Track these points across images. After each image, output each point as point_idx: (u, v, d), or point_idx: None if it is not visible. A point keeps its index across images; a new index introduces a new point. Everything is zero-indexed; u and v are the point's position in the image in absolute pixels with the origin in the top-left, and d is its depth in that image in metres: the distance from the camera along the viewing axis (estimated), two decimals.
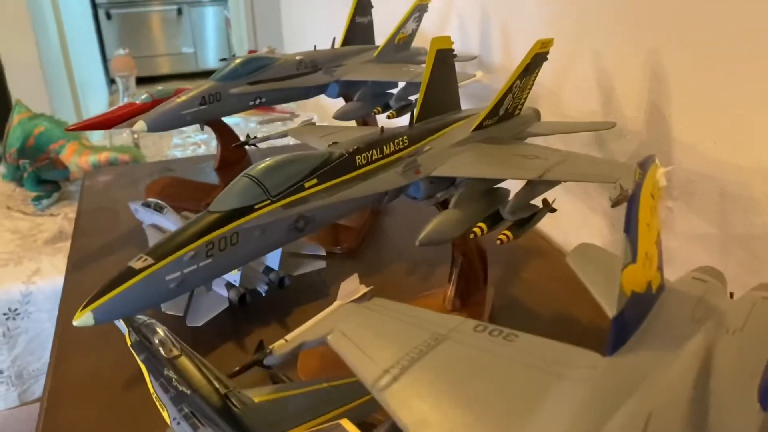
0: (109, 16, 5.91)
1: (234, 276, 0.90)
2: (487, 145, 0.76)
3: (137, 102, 1.17)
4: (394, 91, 1.13)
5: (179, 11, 6.16)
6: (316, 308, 0.63)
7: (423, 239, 0.63)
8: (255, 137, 0.86)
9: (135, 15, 6.06)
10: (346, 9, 1.24)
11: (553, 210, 0.69)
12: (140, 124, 0.88)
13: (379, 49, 1.18)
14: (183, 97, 0.91)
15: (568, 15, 1.04)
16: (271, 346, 0.53)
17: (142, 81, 5.70)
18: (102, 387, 0.81)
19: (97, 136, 2.41)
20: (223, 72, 0.96)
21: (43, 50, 3.33)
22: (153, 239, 1.03)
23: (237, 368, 0.57)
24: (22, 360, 1.70)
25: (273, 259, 0.93)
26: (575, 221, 1.09)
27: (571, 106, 1.06)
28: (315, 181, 0.60)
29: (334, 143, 0.66)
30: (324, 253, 1.00)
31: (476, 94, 1.27)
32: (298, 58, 1.04)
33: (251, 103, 0.98)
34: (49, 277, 1.65)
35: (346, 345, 0.48)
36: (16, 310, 1.65)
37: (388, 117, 1.03)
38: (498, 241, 0.63)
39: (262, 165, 0.59)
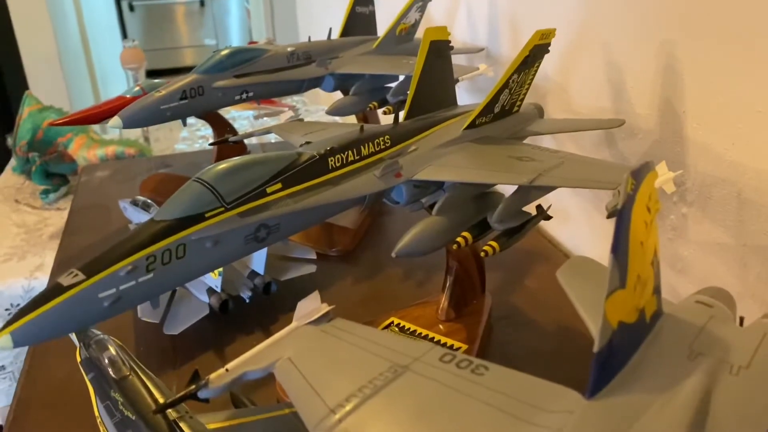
0: (132, 8, 5.91)
1: (215, 280, 0.85)
2: (478, 146, 0.69)
3: (128, 96, 1.13)
4: (393, 84, 1.07)
5: (202, 3, 6.14)
6: None
7: (399, 251, 0.57)
8: (236, 133, 0.81)
9: (158, 7, 6.06)
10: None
11: (548, 218, 0.63)
12: (115, 120, 0.83)
13: (378, 41, 1.12)
14: (162, 92, 0.86)
15: (578, 4, 0.97)
16: (207, 377, 0.45)
17: (163, 73, 5.71)
18: (73, 395, 0.77)
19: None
20: (206, 64, 0.90)
21: (62, 43, 3.33)
22: None
23: (167, 401, 0.48)
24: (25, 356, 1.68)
25: (258, 262, 0.88)
26: (582, 223, 1.02)
27: (580, 102, 0.99)
28: (279, 185, 0.54)
29: (307, 143, 0.61)
30: (314, 256, 0.95)
31: (483, 88, 1.21)
32: (289, 49, 0.99)
33: (237, 97, 0.93)
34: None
35: (292, 376, 0.42)
36: (18, 305, 1.63)
37: (385, 113, 0.97)
38: (482, 253, 0.57)
39: (217, 168, 0.53)
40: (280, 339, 0.47)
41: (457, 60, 0.83)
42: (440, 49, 0.79)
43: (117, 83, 5.21)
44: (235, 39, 6.41)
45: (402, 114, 0.71)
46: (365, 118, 1.13)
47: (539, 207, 0.63)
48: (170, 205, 0.50)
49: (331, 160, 0.58)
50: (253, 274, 0.88)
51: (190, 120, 1.20)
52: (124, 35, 5.92)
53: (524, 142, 0.76)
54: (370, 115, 1.14)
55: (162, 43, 6.18)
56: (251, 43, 1.35)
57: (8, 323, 0.42)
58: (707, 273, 0.79)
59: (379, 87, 1.06)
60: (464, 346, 0.77)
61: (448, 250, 0.80)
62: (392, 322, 0.83)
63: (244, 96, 0.93)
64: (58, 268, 1.05)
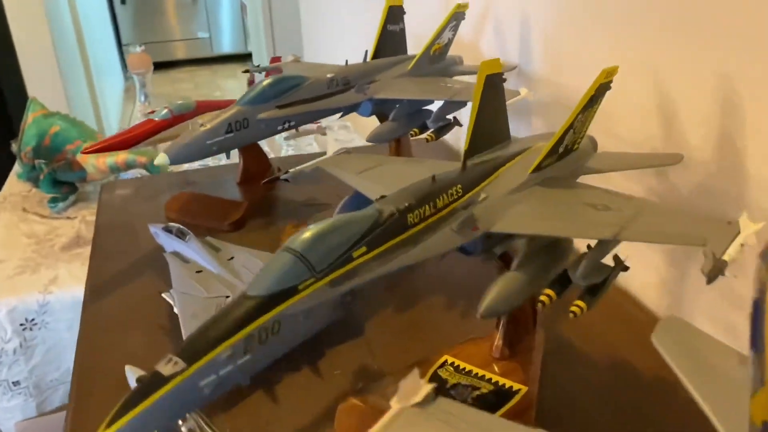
0: (123, 1, 5.83)
1: None
2: (547, 190, 0.68)
3: (156, 119, 1.10)
4: (431, 107, 1.05)
5: None
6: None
7: (484, 312, 0.56)
8: (287, 171, 0.80)
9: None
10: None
11: (626, 268, 0.62)
12: (162, 158, 0.81)
13: (413, 62, 1.10)
14: (208, 126, 0.83)
15: (622, 24, 0.96)
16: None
17: (157, 66, 5.65)
18: None
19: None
20: (249, 95, 0.88)
21: (57, 36, 3.27)
22: (175, 270, 0.97)
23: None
24: (40, 370, 1.67)
25: None
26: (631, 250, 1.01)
27: (627, 130, 0.97)
28: (364, 249, 0.52)
29: (382, 197, 0.59)
30: None
31: (521, 110, 1.19)
32: (329, 75, 0.97)
33: (279, 127, 0.91)
34: (66, 286, 1.60)
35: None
36: (33, 320, 1.61)
37: (427, 140, 0.96)
38: (571, 314, 0.56)
39: (305, 235, 0.51)
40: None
41: None
42: (495, 83, 0.77)
43: (112, 77, 5.16)
44: (228, 32, 6.35)
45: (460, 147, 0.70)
46: (397, 142, 1.11)
47: (617, 258, 0.61)
48: (261, 279, 0.48)
49: (410, 217, 0.57)
50: None
51: None
52: (116, 29, 5.85)
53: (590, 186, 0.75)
54: (402, 139, 1.12)
55: (154, 36, 6.12)
56: (275, 59, 1.33)
57: (111, 421, 0.40)
58: None
59: (417, 110, 1.04)
60: (524, 388, 0.76)
61: None
62: (446, 361, 0.81)
63: (286, 126, 0.92)
64: (91, 295, 1.02)
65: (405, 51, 1.20)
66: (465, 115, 1.03)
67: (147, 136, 1.08)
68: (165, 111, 1.11)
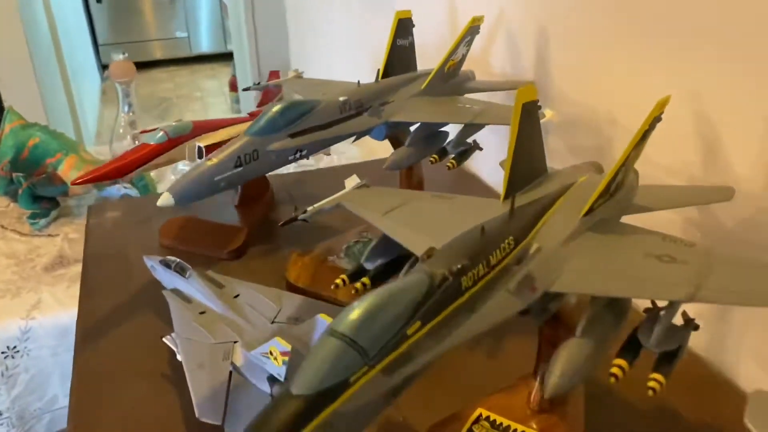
0: (99, 0, 5.68)
1: (279, 368, 0.76)
2: (603, 238, 0.61)
3: (152, 143, 1.02)
4: (448, 127, 0.98)
5: None
6: None
7: (552, 392, 0.49)
8: (305, 210, 0.72)
9: None
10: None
11: (697, 327, 0.55)
12: (166, 198, 0.73)
13: (427, 81, 1.03)
14: (214, 160, 0.76)
15: (652, 40, 0.90)
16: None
17: (136, 66, 5.51)
18: None
19: (91, 150, 2.25)
20: (259, 125, 0.80)
21: (32, 38, 3.16)
22: (177, 311, 0.89)
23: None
24: (23, 400, 1.58)
25: None
26: None
27: (660, 153, 0.91)
28: (418, 324, 0.45)
29: (429, 253, 0.51)
30: None
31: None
32: (341, 99, 0.89)
33: (291, 157, 0.84)
34: (50, 311, 1.52)
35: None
36: (14, 347, 1.52)
37: (449, 168, 0.89)
38: (650, 392, 0.50)
39: (352, 316, 0.43)
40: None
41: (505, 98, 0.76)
42: (530, 112, 0.71)
43: (88, 77, 5.03)
44: (207, 32, 6.23)
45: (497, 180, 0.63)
46: (410, 167, 1.04)
47: (686, 316, 0.55)
48: (307, 372, 0.40)
49: (464, 280, 0.50)
50: None
51: None
52: (92, 28, 5.70)
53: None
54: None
55: (131, 36, 5.98)
56: (273, 73, 1.26)
57: None
58: None
59: (434, 133, 0.97)
60: None
61: (540, 332, 0.72)
62: (480, 416, 0.75)
63: (297, 155, 0.84)
64: (83, 340, 0.95)
65: (415, 66, 1.13)
66: (483, 137, 0.96)
67: (143, 161, 1.00)
68: (161, 134, 1.03)
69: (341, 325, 0.42)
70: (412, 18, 1.10)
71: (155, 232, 1.18)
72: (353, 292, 0.63)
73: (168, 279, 0.96)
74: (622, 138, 0.98)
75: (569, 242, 0.60)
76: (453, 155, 0.91)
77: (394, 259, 0.67)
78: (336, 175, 0.90)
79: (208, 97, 5.59)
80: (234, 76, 4.32)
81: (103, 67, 5.72)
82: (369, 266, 0.66)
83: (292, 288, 1.03)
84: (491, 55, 1.21)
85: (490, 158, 0.93)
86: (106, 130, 5.05)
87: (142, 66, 6.04)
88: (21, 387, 1.56)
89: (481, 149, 0.94)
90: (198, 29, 6.21)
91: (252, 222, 1.18)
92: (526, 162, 0.70)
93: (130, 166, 0.97)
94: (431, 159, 0.90)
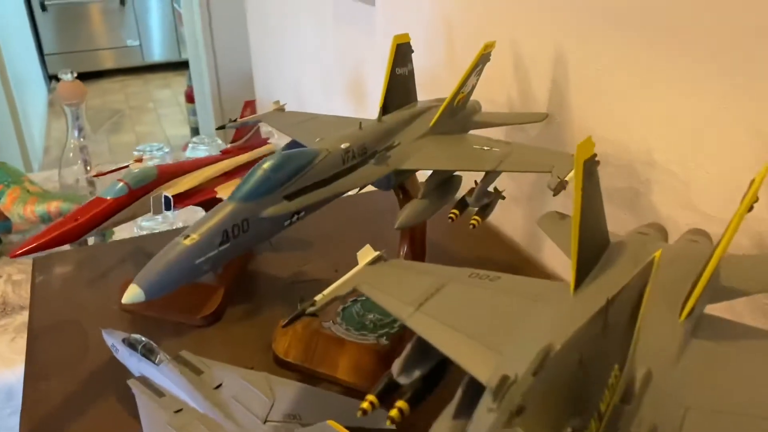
0: (44, 8, 5.39)
1: None
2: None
3: (108, 197, 0.85)
4: (462, 172, 0.84)
5: (122, 1, 5.67)
6: None
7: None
8: (312, 302, 0.57)
9: (73, 6, 5.56)
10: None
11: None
12: (133, 292, 0.56)
13: (435, 118, 0.88)
14: (194, 237, 0.59)
15: (699, 62, 0.77)
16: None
17: (84, 77, 5.25)
18: None
19: (38, 176, 2.05)
20: (247, 188, 0.64)
21: None
22: (146, 409, 0.73)
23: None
24: None
25: None
26: None
27: (704, 199, 0.79)
28: None
29: (517, 409, 0.36)
30: None
31: None
32: (343, 146, 0.74)
33: (287, 222, 0.68)
34: None
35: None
36: None
37: (474, 226, 0.75)
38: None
39: None
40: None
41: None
42: (591, 170, 0.57)
43: (33, 88, 4.76)
44: (159, 40, 5.98)
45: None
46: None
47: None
48: None
49: None
50: None
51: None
52: (37, 38, 5.41)
53: None
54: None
55: (79, 44, 5.69)
56: (248, 103, 1.09)
57: None
58: None
59: (447, 179, 0.83)
60: None
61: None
62: None
63: (294, 219, 0.68)
64: None
65: (415, 96, 0.98)
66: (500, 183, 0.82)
67: (99, 220, 0.83)
68: (120, 185, 0.86)
69: None
70: (411, 43, 0.96)
71: (114, 292, 1.01)
72: (388, 423, 0.48)
73: (134, 364, 0.80)
74: (661, 179, 0.85)
75: (677, 363, 0.46)
76: (477, 211, 0.77)
77: (435, 366, 0.52)
78: (327, 210, 0.75)
79: (162, 108, 5.35)
80: (190, 86, 4.11)
81: (50, 77, 5.43)
82: (403, 381, 0.51)
83: (282, 363, 0.87)
84: (492, 81, 1.07)
85: (509, 206, 0.82)
86: (54, 144, 4.78)
87: (92, 76, 5.76)
88: None
89: (504, 198, 0.80)
90: (150, 37, 5.95)
91: (228, 278, 1.02)
92: (593, 230, 0.57)
93: (83, 227, 0.80)
94: (451, 215, 0.75)
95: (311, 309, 0.57)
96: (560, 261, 1.08)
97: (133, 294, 0.56)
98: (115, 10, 5.72)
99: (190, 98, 4.28)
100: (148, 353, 0.78)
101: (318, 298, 0.58)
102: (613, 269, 0.55)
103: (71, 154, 1.85)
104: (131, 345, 0.80)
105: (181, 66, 5.50)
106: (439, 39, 1.31)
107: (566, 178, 0.72)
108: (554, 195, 0.70)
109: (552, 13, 0.99)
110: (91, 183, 1.90)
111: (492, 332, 0.49)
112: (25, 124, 4.03)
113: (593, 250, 0.56)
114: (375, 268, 0.62)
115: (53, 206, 1.60)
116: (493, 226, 1.23)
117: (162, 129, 4.95)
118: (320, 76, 2.21)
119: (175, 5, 5.39)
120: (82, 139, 1.83)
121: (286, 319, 0.58)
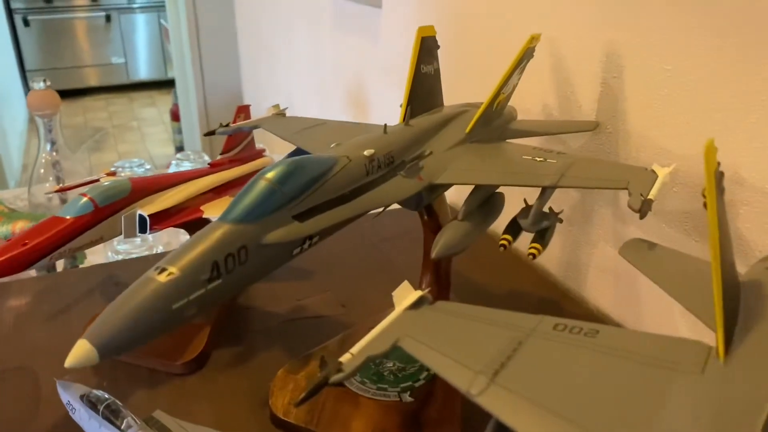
0: (27, 23, 5.23)
1: None
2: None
3: (68, 216, 0.68)
4: (504, 187, 0.68)
5: (108, 18, 5.52)
6: None
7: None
8: (339, 366, 0.41)
9: (57, 22, 5.41)
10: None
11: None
12: (82, 350, 0.39)
13: (472, 123, 0.73)
14: (173, 271, 0.42)
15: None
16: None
17: (67, 95, 5.09)
18: None
19: (8, 194, 1.88)
20: (245, 204, 0.47)
21: None
22: None
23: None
24: None
25: None
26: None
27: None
28: None
29: None
30: None
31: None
32: (366, 153, 0.58)
33: (296, 251, 0.52)
34: None
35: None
36: None
37: (532, 255, 0.59)
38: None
39: None
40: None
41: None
42: (721, 185, 0.42)
43: (14, 105, 4.59)
44: (145, 58, 5.83)
45: None
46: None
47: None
48: None
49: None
50: None
51: None
52: (19, 54, 5.25)
53: None
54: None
55: (63, 61, 5.53)
56: (241, 108, 0.93)
57: None
58: None
59: (489, 197, 0.67)
60: None
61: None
62: None
63: (306, 245, 0.52)
64: None
65: (442, 99, 0.83)
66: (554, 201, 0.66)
67: (54, 245, 0.66)
68: (83, 201, 0.70)
69: None
70: (436, 37, 0.81)
71: (77, 331, 0.83)
72: None
73: (94, 429, 0.62)
74: (750, 199, 0.70)
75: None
76: (536, 237, 0.60)
77: None
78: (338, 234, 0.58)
79: (146, 127, 5.19)
80: (176, 105, 3.96)
81: None
82: None
83: (281, 424, 0.70)
84: (528, 84, 0.91)
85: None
86: (32, 161, 4.57)
87: (75, 94, 5.59)
88: None
89: (561, 221, 0.63)
90: (135, 55, 5.81)
91: (215, 314, 0.85)
92: (731, 275, 0.41)
93: (33, 254, 0.63)
94: (503, 242, 0.59)
95: (336, 377, 0.40)
96: (609, 297, 0.92)
97: (81, 354, 0.39)
98: (100, 27, 5.57)
99: (175, 116, 4.13)
100: (112, 416, 0.61)
101: (344, 359, 0.41)
102: (764, 321, 0.39)
103: (42, 171, 1.68)
104: (91, 404, 0.63)
105: (167, 84, 5.35)
106: (455, 39, 1.16)
107: (650, 197, 0.57)
108: (641, 218, 0.55)
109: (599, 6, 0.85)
110: (64, 202, 1.72)
111: (616, 422, 0.33)
112: (2, 141, 3.86)
113: (734, 294, 0.40)
114: (419, 315, 0.46)
115: (19, 227, 1.43)
116: (523, 253, 1.07)
117: (146, 148, 4.78)
118: (315, 87, 2.06)
119: (162, 21, 5.26)
120: (54, 153, 1.67)
121: (301, 396, 0.41)
